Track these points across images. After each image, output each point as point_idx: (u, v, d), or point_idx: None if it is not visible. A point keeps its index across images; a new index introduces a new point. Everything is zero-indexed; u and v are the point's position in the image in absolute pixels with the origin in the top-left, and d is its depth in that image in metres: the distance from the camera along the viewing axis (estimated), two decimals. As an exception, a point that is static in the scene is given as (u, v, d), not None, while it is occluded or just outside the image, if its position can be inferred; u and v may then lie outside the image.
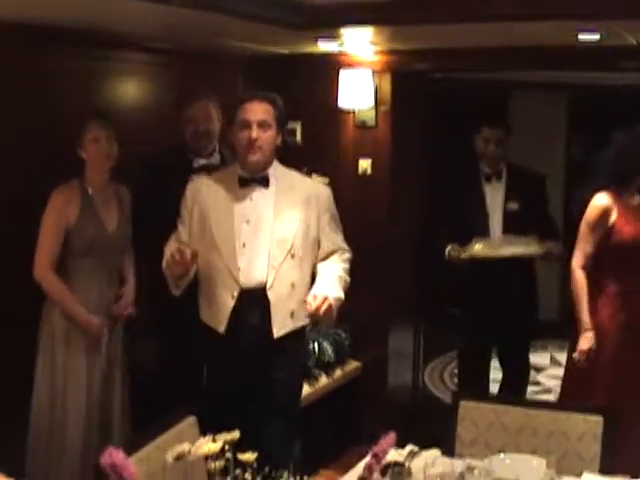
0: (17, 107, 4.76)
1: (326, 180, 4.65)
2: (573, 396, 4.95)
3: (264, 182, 4.34)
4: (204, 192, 4.37)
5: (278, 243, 4.28)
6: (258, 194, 4.33)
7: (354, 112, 6.38)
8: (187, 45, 5.61)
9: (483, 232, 5.73)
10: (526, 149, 9.50)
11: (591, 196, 4.93)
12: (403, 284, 6.71)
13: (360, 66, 6.25)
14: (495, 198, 5.83)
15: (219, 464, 2.30)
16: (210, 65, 6.04)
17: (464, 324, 6.17)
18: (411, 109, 6.64)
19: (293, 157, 6.17)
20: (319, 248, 4.43)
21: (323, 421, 5.80)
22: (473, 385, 6.01)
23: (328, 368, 6.04)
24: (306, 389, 5.49)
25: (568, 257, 5.08)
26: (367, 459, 2.49)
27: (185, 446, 2.37)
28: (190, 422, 3.37)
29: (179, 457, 2.37)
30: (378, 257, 6.34)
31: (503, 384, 6.19)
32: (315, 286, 4.26)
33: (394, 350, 6.62)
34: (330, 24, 5.06)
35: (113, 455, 2.04)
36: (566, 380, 5.18)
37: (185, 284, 4.29)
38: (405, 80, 6.43)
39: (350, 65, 6.27)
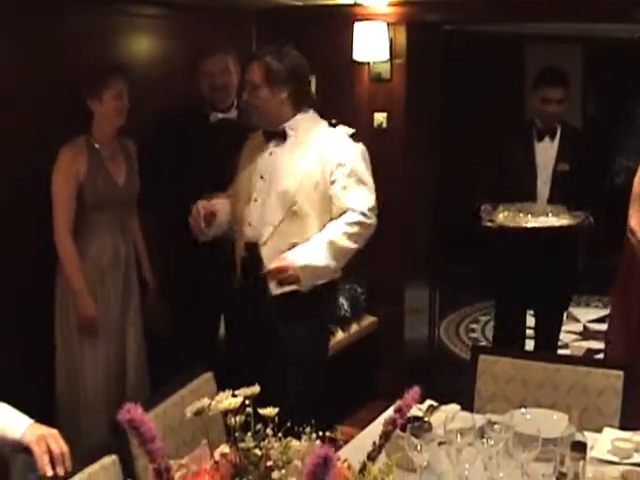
0: (33, 61, 4.70)
1: (349, 131, 4.32)
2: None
3: (281, 136, 4.30)
4: (249, 146, 4.46)
5: (279, 198, 4.22)
6: (276, 149, 4.30)
7: (369, 65, 6.31)
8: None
9: (530, 191, 5.50)
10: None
11: None
12: (419, 240, 6.67)
13: (375, 18, 6.17)
14: (546, 157, 5.59)
15: (240, 419, 2.27)
16: (223, 18, 5.97)
17: (498, 286, 5.96)
18: (426, 62, 6.56)
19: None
20: (327, 206, 4.24)
21: (339, 376, 5.78)
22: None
23: (344, 323, 6.02)
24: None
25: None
26: (390, 413, 2.46)
27: (205, 401, 2.34)
28: (206, 378, 3.36)
29: (198, 412, 2.34)
30: (393, 212, 6.29)
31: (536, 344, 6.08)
32: (296, 248, 4.13)
33: (410, 305, 6.60)
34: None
35: (132, 411, 2.01)
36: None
37: (212, 234, 4.34)
38: (420, 32, 6.35)
39: (365, 17, 6.19)
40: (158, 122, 5.13)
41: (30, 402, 2.89)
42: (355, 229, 4.14)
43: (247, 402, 2.30)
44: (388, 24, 6.18)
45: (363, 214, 4.17)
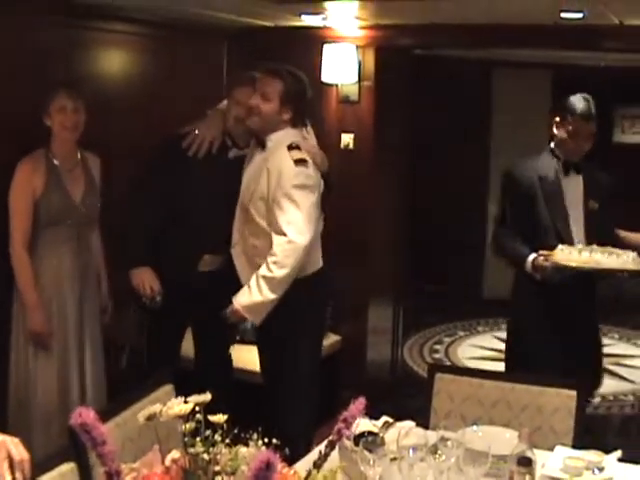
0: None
1: (296, 156, 4.42)
2: None
3: (262, 145, 4.59)
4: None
5: (241, 205, 4.60)
6: (256, 156, 4.63)
7: (337, 87, 6.39)
8: (171, 17, 5.59)
9: (564, 234, 4.76)
10: (509, 128, 9.59)
11: None
12: (384, 260, 6.73)
13: (344, 41, 6.25)
14: (575, 194, 4.84)
15: (190, 425, 2.33)
16: (194, 37, 6.02)
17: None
18: (394, 85, 6.64)
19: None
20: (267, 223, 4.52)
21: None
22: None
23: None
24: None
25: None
26: (337, 424, 2.52)
27: (157, 407, 2.40)
28: (167, 390, 3.39)
29: (150, 418, 2.39)
30: (359, 232, 6.37)
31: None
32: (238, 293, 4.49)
33: (373, 324, 6.65)
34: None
35: (83, 414, 2.05)
36: None
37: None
38: (389, 56, 6.43)
39: (334, 39, 6.27)
40: (162, 148, 4.98)
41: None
42: (281, 256, 4.37)
43: (197, 409, 2.35)
44: (357, 47, 6.26)
45: (289, 240, 4.37)
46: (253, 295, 4.38)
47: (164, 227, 4.83)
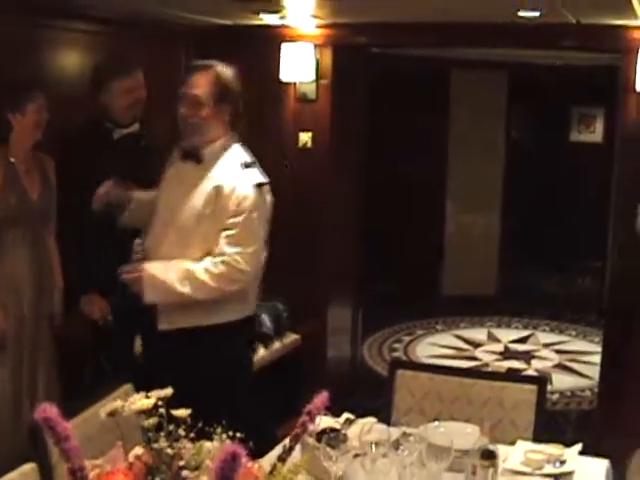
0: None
1: (257, 180, 4.12)
2: None
3: (196, 158, 4.14)
4: (170, 161, 4.30)
5: (172, 220, 4.13)
6: (190, 170, 4.14)
7: (295, 85, 6.38)
8: (127, 14, 5.54)
9: None
10: (466, 127, 9.65)
11: None
12: (342, 259, 6.74)
13: (302, 39, 6.26)
14: None
15: (153, 420, 2.31)
16: (153, 36, 5.99)
17: None
18: (351, 83, 6.66)
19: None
20: (208, 246, 4.06)
21: (262, 394, 5.81)
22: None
23: (267, 340, 6.05)
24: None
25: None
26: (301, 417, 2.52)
27: (118, 403, 2.38)
28: (126, 389, 3.37)
29: (112, 413, 2.37)
30: (317, 231, 6.38)
31: None
32: (154, 262, 4.10)
33: (333, 324, 6.66)
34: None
35: (47, 410, 2.04)
36: None
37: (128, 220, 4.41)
38: (346, 54, 6.45)
39: (292, 38, 6.27)
40: (62, 139, 5.00)
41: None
42: (220, 269, 3.98)
43: (160, 403, 2.34)
44: (315, 45, 6.27)
45: (235, 260, 3.99)
46: (168, 275, 3.99)
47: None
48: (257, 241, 4.08)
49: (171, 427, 2.29)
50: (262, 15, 5.70)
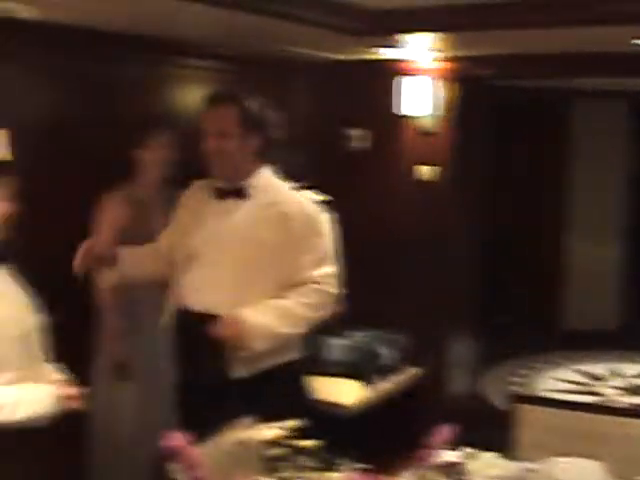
0: (83, 111, 4.86)
1: (318, 197, 4.14)
2: None
3: (240, 194, 3.93)
4: (190, 198, 4.12)
5: (235, 264, 3.87)
6: (232, 208, 3.93)
7: (415, 119, 6.39)
8: (247, 51, 5.65)
9: None
10: (587, 157, 9.52)
11: None
12: (462, 292, 6.70)
13: (421, 72, 6.27)
14: None
15: (278, 450, 2.32)
16: (271, 72, 6.08)
17: None
18: (472, 116, 6.63)
19: (356, 163, 6.20)
20: (286, 275, 3.88)
21: (379, 426, 5.80)
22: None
23: (385, 373, 6.03)
24: (363, 393, 5.52)
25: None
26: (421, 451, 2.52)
27: (245, 433, 2.41)
28: (246, 421, 3.38)
29: (239, 444, 2.40)
30: (438, 265, 6.35)
31: None
32: (247, 309, 3.80)
33: (452, 357, 6.62)
34: (392, 30, 5.07)
35: (175, 438, 2.08)
36: None
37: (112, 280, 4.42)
38: (466, 87, 6.43)
39: (411, 71, 6.29)
40: None
41: None
42: (313, 298, 3.86)
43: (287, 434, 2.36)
44: (434, 78, 6.27)
45: (325, 282, 3.88)
46: (268, 319, 3.78)
47: None
48: (334, 259, 3.98)
49: (297, 457, 2.30)
50: (381, 49, 5.73)
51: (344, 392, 5.48)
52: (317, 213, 3.99)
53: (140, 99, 5.14)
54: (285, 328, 3.83)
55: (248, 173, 3.92)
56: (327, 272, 3.91)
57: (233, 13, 4.15)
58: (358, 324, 5.81)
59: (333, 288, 3.93)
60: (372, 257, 6.20)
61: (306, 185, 4.19)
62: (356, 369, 5.64)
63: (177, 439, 2.09)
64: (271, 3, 4.19)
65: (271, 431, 2.38)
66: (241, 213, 3.90)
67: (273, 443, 2.35)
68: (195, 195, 4.08)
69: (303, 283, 3.86)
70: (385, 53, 5.93)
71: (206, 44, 5.43)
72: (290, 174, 4.22)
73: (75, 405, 3.10)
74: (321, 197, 4.13)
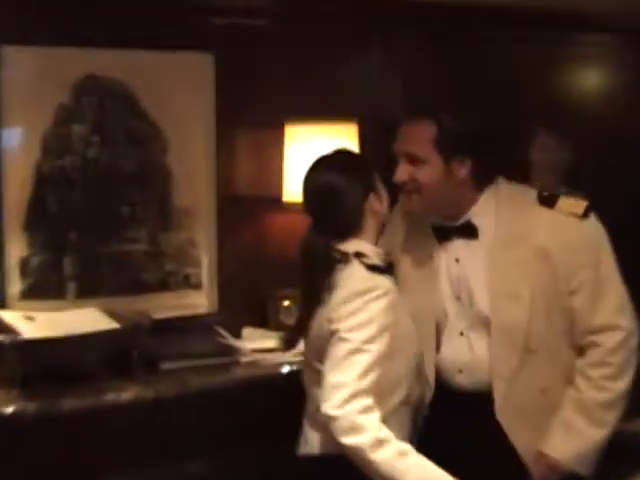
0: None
1: (580, 206, 2.93)
2: None
3: (467, 231, 2.96)
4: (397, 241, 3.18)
5: (503, 333, 2.89)
6: (465, 252, 2.97)
7: None
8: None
9: None
10: None
11: None
12: None
13: None
14: None
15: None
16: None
17: None
18: None
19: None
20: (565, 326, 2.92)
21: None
22: None
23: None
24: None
25: None
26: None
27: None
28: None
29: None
30: None
31: None
32: (547, 441, 2.91)
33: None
34: None
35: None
36: None
37: None
38: None
39: None
40: None
41: None
42: (611, 369, 2.87)
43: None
44: None
45: (622, 330, 2.90)
46: (578, 437, 2.89)
47: None
48: (622, 287, 2.97)
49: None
50: None
51: None
52: (592, 234, 2.95)
53: (530, 83, 4.46)
54: (596, 430, 2.91)
55: (466, 203, 2.96)
56: (625, 309, 2.95)
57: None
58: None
59: (630, 325, 2.94)
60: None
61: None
62: None
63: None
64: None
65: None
66: (479, 255, 2.95)
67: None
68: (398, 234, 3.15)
69: (594, 335, 2.90)
70: None
71: (604, 16, 4.50)
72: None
73: None
74: (584, 204, 2.94)
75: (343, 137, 3.87)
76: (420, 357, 2.92)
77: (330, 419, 2.57)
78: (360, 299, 2.67)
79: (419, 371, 2.92)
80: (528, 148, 4.21)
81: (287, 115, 3.97)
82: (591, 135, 4.34)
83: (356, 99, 4.08)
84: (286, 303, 3.96)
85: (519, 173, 3.35)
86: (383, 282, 2.75)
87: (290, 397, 2.97)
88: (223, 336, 3.70)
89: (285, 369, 3.53)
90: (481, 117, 3.07)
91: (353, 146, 3.80)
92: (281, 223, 4.04)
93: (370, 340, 2.64)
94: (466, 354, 2.94)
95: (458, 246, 2.96)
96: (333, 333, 2.68)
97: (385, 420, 2.63)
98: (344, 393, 2.56)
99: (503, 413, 2.88)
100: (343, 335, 2.65)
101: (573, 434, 2.88)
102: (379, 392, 2.66)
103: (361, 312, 2.66)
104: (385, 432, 2.58)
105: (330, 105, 3.99)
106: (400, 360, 2.79)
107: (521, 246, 2.87)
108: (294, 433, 2.90)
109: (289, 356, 3.41)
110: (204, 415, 3.30)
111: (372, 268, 2.76)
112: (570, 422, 2.88)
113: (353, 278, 2.74)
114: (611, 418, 2.90)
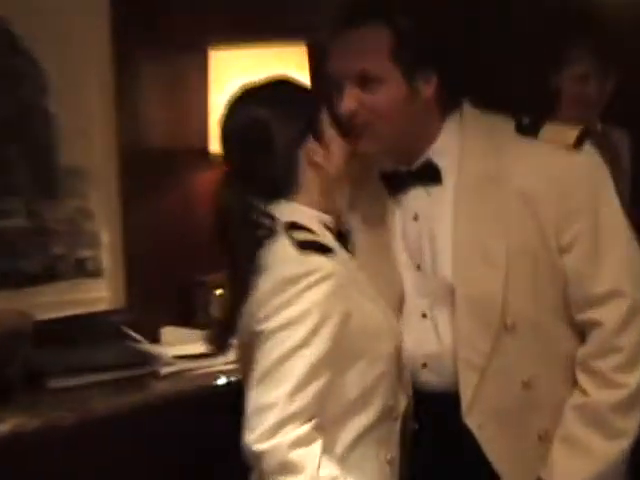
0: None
1: (570, 135, 2.27)
2: None
3: (428, 175, 2.33)
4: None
5: (473, 307, 2.27)
6: (426, 205, 2.34)
7: None
8: None
9: None
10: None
11: None
12: None
13: None
14: None
15: None
16: None
17: None
18: None
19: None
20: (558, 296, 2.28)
21: None
22: None
23: None
24: None
25: None
26: None
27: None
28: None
29: None
30: None
31: None
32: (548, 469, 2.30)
33: None
34: None
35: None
36: None
37: None
38: None
39: None
40: None
41: None
42: (622, 356, 2.24)
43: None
44: None
45: (625, 297, 2.22)
46: (584, 462, 2.27)
47: None
48: (631, 239, 2.33)
49: None
50: None
51: None
52: (586, 167, 2.29)
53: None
54: (608, 445, 2.26)
55: (428, 138, 2.31)
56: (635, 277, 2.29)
57: None
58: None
59: None
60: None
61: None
62: None
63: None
64: None
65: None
66: (444, 208, 2.32)
67: None
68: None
69: (593, 315, 2.26)
70: None
71: None
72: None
73: None
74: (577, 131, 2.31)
75: (288, 66, 3.34)
76: (399, 355, 2.29)
77: (253, 456, 2.06)
78: (292, 288, 2.11)
79: (401, 374, 2.30)
80: (554, 73, 3.63)
81: (212, 36, 3.44)
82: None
83: (306, 15, 3.59)
84: (219, 292, 3.35)
85: (542, 105, 3.09)
86: (321, 263, 2.15)
87: (229, 419, 2.30)
88: (134, 340, 3.25)
89: (221, 380, 3.01)
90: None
91: (301, 77, 3.20)
92: (208, 184, 3.27)
93: (305, 342, 2.08)
94: (431, 342, 2.32)
95: (417, 198, 2.33)
96: (258, 335, 2.14)
97: (354, 447, 2.18)
98: (270, 419, 2.04)
99: (472, 415, 2.27)
100: (269, 337, 2.11)
101: (582, 453, 2.27)
102: (337, 411, 2.16)
103: (291, 306, 2.10)
104: (328, 471, 2.05)
105: (271, 23, 3.53)
106: (366, 364, 2.22)
107: (494, 190, 2.25)
108: (235, 469, 2.22)
109: (224, 362, 2.87)
110: (111, 448, 2.73)
111: (304, 245, 2.16)
112: (576, 437, 2.26)
113: (279, 260, 2.17)
114: (630, 424, 2.25)
